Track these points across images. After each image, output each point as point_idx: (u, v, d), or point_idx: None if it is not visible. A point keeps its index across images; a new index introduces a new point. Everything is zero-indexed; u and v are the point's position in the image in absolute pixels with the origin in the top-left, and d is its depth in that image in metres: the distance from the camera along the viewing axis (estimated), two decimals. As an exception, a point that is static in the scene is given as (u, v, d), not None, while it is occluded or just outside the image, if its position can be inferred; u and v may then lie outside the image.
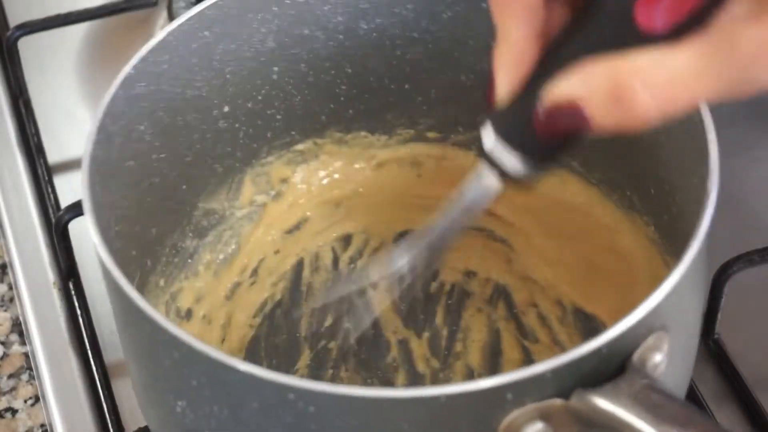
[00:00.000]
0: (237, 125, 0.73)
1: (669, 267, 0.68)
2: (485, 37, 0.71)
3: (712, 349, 0.73)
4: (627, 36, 0.47)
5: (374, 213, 0.77)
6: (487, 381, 0.51)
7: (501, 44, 0.52)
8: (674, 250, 0.68)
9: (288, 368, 0.70)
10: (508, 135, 0.52)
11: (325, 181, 0.78)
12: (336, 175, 0.78)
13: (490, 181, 0.54)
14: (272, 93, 0.73)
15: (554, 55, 0.50)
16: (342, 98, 0.75)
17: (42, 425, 0.73)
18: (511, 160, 0.52)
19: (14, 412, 0.73)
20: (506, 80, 0.52)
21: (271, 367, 0.70)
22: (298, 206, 0.77)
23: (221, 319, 0.72)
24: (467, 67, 0.73)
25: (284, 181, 0.77)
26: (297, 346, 0.72)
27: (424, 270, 0.60)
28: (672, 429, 0.49)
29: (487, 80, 0.53)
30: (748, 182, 0.81)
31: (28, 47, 0.90)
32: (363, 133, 0.77)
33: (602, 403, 0.51)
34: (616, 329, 0.52)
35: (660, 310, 0.53)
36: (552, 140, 0.51)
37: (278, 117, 0.74)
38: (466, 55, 0.73)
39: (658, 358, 0.54)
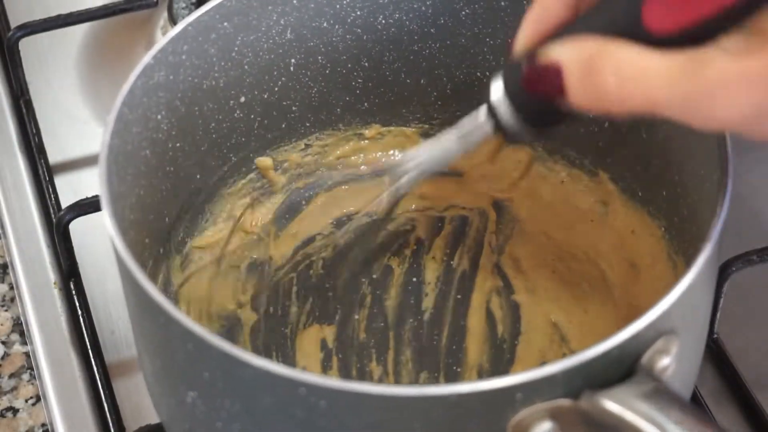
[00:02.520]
0: (253, 116, 0.73)
1: (675, 266, 0.69)
2: (502, 34, 0.72)
3: (711, 349, 0.73)
4: (632, 30, 0.50)
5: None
6: (498, 381, 0.51)
7: (533, 3, 0.55)
8: (683, 251, 0.68)
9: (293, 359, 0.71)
10: (510, 90, 0.56)
11: (337, 174, 0.78)
12: (350, 167, 0.78)
13: (485, 125, 0.58)
14: (289, 84, 0.73)
15: (569, 29, 0.53)
16: (358, 91, 0.75)
17: (43, 425, 0.73)
18: (507, 114, 0.56)
19: (15, 411, 0.73)
20: (525, 35, 0.55)
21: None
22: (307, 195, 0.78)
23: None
24: (483, 64, 0.74)
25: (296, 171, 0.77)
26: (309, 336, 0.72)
27: (408, 187, 0.66)
28: (680, 433, 0.50)
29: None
30: (748, 182, 0.81)
31: (29, 48, 0.90)
32: (377, 126, 0.77)
33: (610, 405, 0.51)
34: (627, 332, 0.52)
35: (670, 313, 0.54)
36: (537, 101, 0.55)
37: (294, 108, 0.75)
38: (483, 52, 0.73)
39: (666, 361, 0.54)
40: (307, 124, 0.76)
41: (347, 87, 0.75)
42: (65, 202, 0.78)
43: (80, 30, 0.94)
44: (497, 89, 0.57)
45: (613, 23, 0.51)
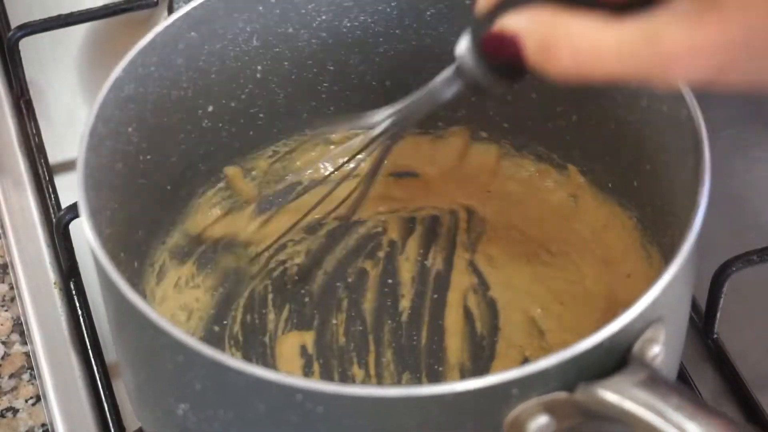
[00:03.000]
0: (220, 124, 0.73)
1: (650, 256, 0.69)
2: (468, 33, 0.72)
3: (711, 349, 0.73)
4: None
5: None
6: (493, 377, 0.51)
7: None
8: (657, 240, 0.69)
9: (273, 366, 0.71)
10: (476, 44, 0.57)
11: (305, 179, 0.78)
12: (317, 171, 0.78)
13: (454, 79, 0.60)
14: (255, 92, 0.73)
15: None
16: (324, 95, 0.75)
17: (43, 425, 0.72)
18: (473, 66, 0.58)
19: (15, 411, 0.73)
20: None
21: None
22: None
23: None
24: (449, 63, 0.74)
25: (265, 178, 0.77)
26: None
27: (386, 141, 0.66)
28: (678, 419, 0.50)
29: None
30: (747, 182, 0.81)
31: (29, 47, 0.89)
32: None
33: (608, 395, 0.52)
34: (618, 323, 0.53)
35: (657, 303, 0.54)
36: (497, 62, 0.56)
37: (261, 115, 0.74)
38: (449, 52, 0.73)
39: (656, 348, 0.54)
40: (275, 131, 0.75)
41: (313, 92, 0.75)
42: (65, 202, 0.78)
43: (80, 30, 0.93)
44: (463, 43, 0.58)
45: None
